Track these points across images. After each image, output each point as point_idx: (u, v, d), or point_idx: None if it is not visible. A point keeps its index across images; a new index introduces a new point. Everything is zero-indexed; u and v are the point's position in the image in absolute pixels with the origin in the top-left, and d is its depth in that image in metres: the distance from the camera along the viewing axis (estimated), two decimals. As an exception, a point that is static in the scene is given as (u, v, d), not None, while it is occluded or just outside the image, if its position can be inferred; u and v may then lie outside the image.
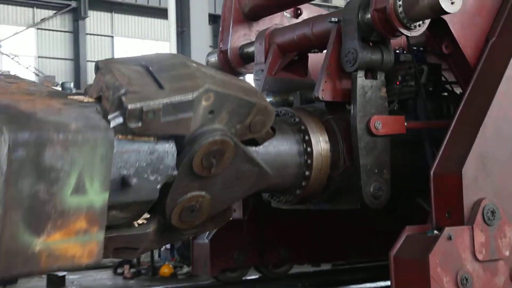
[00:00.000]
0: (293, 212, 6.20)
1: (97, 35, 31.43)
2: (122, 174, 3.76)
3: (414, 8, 4.99)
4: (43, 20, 30.17)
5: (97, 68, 3.95)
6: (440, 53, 5.58)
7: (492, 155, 4.76)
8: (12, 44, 29.21)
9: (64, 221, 3.38)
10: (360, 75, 5.37)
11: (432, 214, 4.66)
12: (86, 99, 3.82)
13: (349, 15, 5.43)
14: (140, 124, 3.73)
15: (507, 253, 4.68)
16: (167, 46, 19.36)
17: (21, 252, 3.29)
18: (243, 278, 7.24)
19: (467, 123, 4.91)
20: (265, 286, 7.17)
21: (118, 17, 31.89)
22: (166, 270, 10.41)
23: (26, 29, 29.94)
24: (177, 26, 18.93)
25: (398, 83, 5.92)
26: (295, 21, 6.88)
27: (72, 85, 26.27)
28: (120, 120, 3.69)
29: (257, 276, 7.42)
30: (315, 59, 6.46)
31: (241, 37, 6.98)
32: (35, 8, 30.10)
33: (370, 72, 5.43)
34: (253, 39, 6.74)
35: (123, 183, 3.77)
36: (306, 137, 5.38)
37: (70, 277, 9.85)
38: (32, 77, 27.44)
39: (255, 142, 4.68)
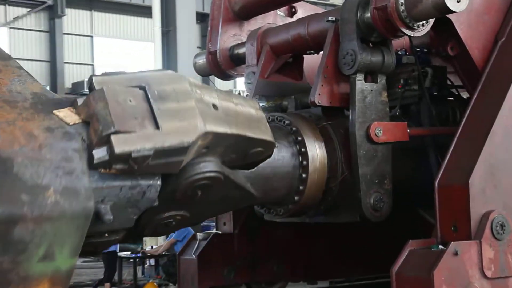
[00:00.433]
0: (288, 225, 6.19)
1: (75, 34, 31.41)
2: (98, 209, 3.75)
3: (417, 6, 5.00)
4: (16, 18, 30.11)
5: (91, 83, 3.84)
6: (445, 55, 5.60)
7: (501, 164, 4.78)
8: (-18, 45, 29.14)
9: (26, 286, 3.39)
10: (359, 78, 5.38)
11: (437, 228, 4.66)
12: (72, 118, 3.73)
13: (347, 14, 5.44)
14: (126, 166, 3.72)
15: (518, 270, 4.69)
16: (151, 46, 19.36)
17: None
18: (233, 296, 7.22)
19: (474, 130, 4.92)
20: (257, 305, 7.14)
21: (98, 16, 31.88)
22: (150, 288, 10.40)
23: (-2, 28, 29.92)
24: (162, 25, 18.95)
25: (400, 87, 5.93)
26: (289, 20, 6.89)
27: (48, 88, 26.16)
28: (105, 157, 3.65)
29: (248, 295, 7.40)
30: (311, 61, 6.47)
31: (231, 37, 6.98)
32: (7, 5, 30.03)
33: (370, 75, 5.45)
34: (244, 40, 6.75)
35: (97, 217, 3.75)
36: (301, 144, 5.37)
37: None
38: (5, 80, 27.27)
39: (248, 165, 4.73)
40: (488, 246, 4.55)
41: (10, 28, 30.21)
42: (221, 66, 6.97)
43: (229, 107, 4.22)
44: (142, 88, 3.86)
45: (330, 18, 5.61)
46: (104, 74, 3.97)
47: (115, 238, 4.22)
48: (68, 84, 30.34)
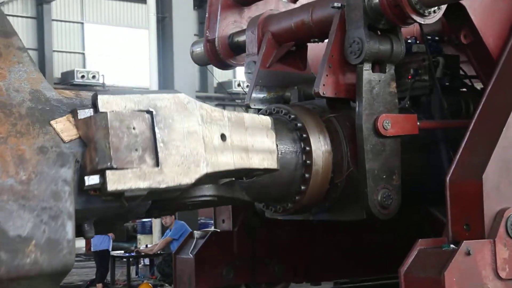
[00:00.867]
0: (289, 223, 6.19)
1: (65, 21, 31.35)
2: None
3: (428, -8, 5.00)
4: (1, 3, 30.04)
5: (95, 99, 3.88)
6: (458, 43, 5.61)
7: (516, 159, 4.78)
8: (-34, 32, 29.09)
9: None
10: (367, 68, 5.38)
11: (448, 226, 4.67)
12: (69, 133, 3.77)
13: (354, -1, 5.44)
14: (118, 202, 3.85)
15: (534, 271, 4.69)
16: (145, 34, 19.33)
17: None
18: (232, 298, 7.23)
19: (488, 123, 4.92)
20: (257, 307, 7.15)
21: (89, 1, 31.82)
22: (144, 289, 10.42)
23: (-17, 14, 29.84)
24: (157, 12, 18.89)
25: (410, 77, 5.94)
26: (292, 6, 6.87)
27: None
28: (96, 186, 3.74)
29: (248, 296, 7.41)
30: (315, 50, 6.46)
31: (230, 24, 6.98)
32: (-7, -10, 30.03)
33: (378, 64, 5.44)
34: (244, 27, 6.74)
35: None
36: (304, 137, 5.37)
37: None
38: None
39: None
40: (502, 246, 4.55)
41: (-4, 14, 30.12)
42: (220, 55, 6.97)
43: (239, 137, 4.33)
44: (149, 113, 3.94)
45: (335, 4, 5.59)
46: (111, 92, 3.99)
47: None
48: (57, 73, 30.29)
